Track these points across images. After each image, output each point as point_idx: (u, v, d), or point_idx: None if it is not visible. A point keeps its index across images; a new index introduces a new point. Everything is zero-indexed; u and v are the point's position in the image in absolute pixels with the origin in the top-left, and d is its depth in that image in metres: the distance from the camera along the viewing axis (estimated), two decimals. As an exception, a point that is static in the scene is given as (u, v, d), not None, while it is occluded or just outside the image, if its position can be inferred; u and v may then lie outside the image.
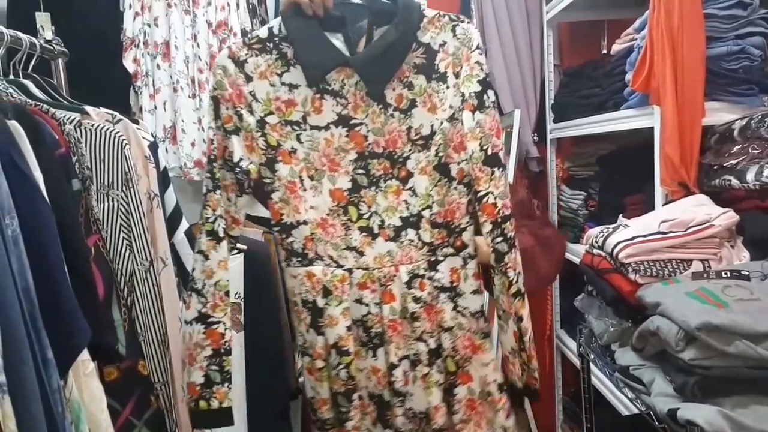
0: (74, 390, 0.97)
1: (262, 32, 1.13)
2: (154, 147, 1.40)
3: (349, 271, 1.14)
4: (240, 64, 1.12)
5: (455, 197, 1.16)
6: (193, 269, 1.16)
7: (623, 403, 1.71)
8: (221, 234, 1.13)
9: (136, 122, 1.46)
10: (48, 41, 1.59)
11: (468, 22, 1.14)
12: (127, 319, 1.21)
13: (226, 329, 1.16)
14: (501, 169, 1.13)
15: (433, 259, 1.17)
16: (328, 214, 1.15)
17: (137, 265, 1.25)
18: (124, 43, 2.72)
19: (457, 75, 1.12)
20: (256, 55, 1.12)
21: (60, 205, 0.98)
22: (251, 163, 1.12)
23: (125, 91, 2.79)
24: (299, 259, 1.15)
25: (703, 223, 1.33)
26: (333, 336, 1.15)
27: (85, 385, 1.00)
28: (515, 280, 1.15)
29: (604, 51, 2.59)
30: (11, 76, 1.35)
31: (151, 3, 2.71)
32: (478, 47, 1.13)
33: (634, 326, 1.32)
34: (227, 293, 1.16)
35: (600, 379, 1.87)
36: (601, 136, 2.13)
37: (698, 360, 1.04)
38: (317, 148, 1.14)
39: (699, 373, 1.05)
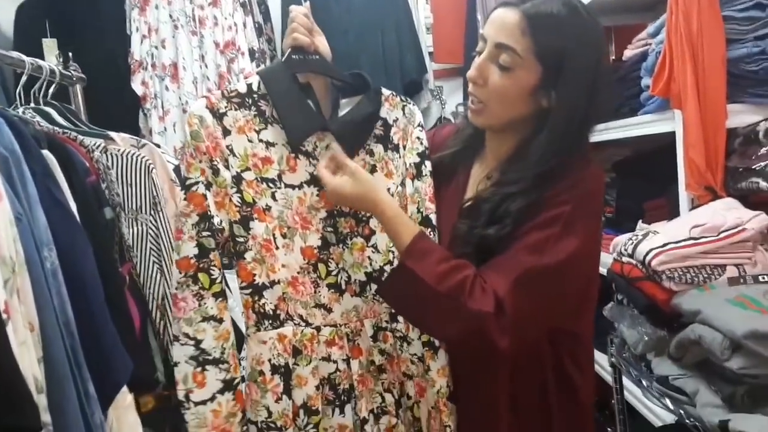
0: (114, 424, 0.95)
1: (241, 87, 1.15)
2: (178, 170, 1.39)
3: (318, 329, 1.17)
4: (219, 116, 1.12)
5: None
6: (201, 341, 1.08)
7: (655, 413, 1.68)
8: (228, 293, 1.13)
9: (158, 145, 1.45)
10: (66, 67, 1.57)
11: (413, 104, 1.28)
12: (161, 345, 1.19)
13: (243, 385, 1.14)
14: (432, 231, 1.20)
15: (393, 311, 1.21)
16: (298, 272, 1.17)
17: (168, 288, 1.25)
18: (131, 66, 2.73)
19: (404, 147, 1.25)
20: (235, 109, 1.14)
21: (94, 234, 0.98)
22: (221, 221, 1.12)
23: (135, 114, 2.79)
24: (271, 321, 1.15)
25: (736, 227, 1.31)
26: (301, 397, 1.15)
27: (124, 417, 0.98)
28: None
29: (613, 57, 2.58)
30: (32, 104, 1.34)
31: (158, 25, 2.74)
32: (419, 125, 1.26)
33: (670, 335, 1.30)
34: (238, 349, 1.14)
35: (630, 390, 1.85)
36: (616, 142, 2.12)
37: (746, 369, 1.03)
38: (291, 206, 1.16)
39: (748, 383, 1.03)
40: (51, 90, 1.44)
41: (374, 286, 1.21)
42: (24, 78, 1.31)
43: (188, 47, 2.74)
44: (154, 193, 1.29)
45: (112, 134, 1.35)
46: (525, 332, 1.06)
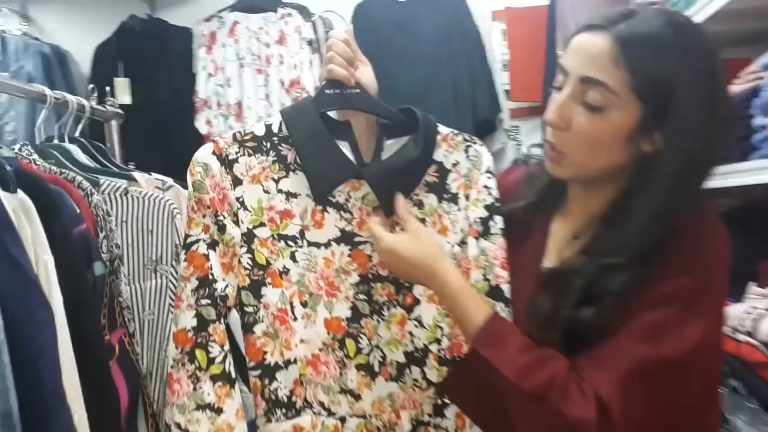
0: None
1: (258, 129, 0.98)
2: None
3: (342, 420, 0.96)
4: (228, 163, 0.95)
5: None
6: None
7: None
8: (234, 375, 0.94)
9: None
10: (101, 102, 1.48)
11: (481, 144, 1.08)
12: (155, 428, 1.02)
13: None
14: (505, 306, 1.00)
15: (439, 402, 1.00)
16: (321, 350, 0.96)
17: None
18: (196, 105, 2.70)
19: (467, 197, 1.05)
20: (249, 155, 0.96)
21: (75, 296, 0.82)
22: (227, 285, 0.93)
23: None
24: (284, 410, 0.95)
25: None
26: None
27: None
28: None
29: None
30: (55, 140, 1.26)
31: (225, 64, 2.71)
32: (488, 171, 1.05)
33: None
34: None
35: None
36: (721, 191, 1.82)
37: None
38: (314, 268, 0.97)
39: None
40: (80, 125, 1.35)
41: (415, 369, 0.99)
42: (45, 112, 1.22)
43: (253, 86, 2.71)
44: (177, 242, 1.16)
45: (137, 175, 1.25)
46: None
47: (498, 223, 1.03)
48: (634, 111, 0.85)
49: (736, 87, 1.66)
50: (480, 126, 2.60)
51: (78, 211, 0.96)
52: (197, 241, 0.91)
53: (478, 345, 0.87)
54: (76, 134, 1.31)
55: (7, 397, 0.68)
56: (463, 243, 1.02)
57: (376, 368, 0.98)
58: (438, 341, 1.00)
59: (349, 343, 0.98)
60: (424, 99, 2.51)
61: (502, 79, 2.77)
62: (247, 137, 0.97)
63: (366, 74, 1.03)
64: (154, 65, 2.83)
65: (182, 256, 0.92)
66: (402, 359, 0.99)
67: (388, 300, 0.99)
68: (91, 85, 1.53)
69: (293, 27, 2.70)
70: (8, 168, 0.81)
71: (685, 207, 0.87)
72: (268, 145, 0.97)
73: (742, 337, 1.20)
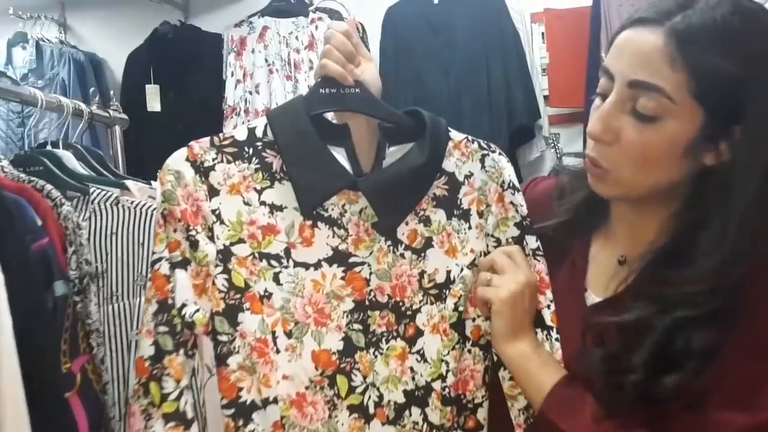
0: None
1: (240, 133, 0.86)
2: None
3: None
4: (203, 171, 0.83)
5: (468, 363, 0.91)
6: None
7: None
8: (190, 415, 0.81)
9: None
10: (102, 107, 1.43)
11: (500, 153, 0.94)
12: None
13: None
14: (546, 332, 0.88)
15: None
16: (307, 388, 0.83)
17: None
18: (225, 112, 2.66)
19: (480, 214, 0.92)
20: (228, 162, 0.84)
21: (30, 319, 0.75)
22: (198, 310, 0.81)
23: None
24: None
25: None
26: None
27: None
28: None
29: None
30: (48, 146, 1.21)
31: (254, 70, 2.66)
32: (511, 185, 0.92)
33: None
34: None
35: None
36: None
37: None
38: (301, 293, 0.84)
39: None
40: (79, 129, 1.31)
41: (415, 411, 0.86)
42: (34, 117, 1.17)
43: (282, 92, 2.66)
44: (168, 255, 1.08)
45: (129, 183, 1.19)
46: None
47: (530, 243, 0.90)
48: (695, 119, 0.72)
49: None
50: (516, 132, 2.47)
51: (39, 223, 0.88)
52: (160, 259, 0.80)
53: (546, 410, 0.78)
54: (73, 139, 1.26)
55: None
56: (474, 265, 0.90)
57: (371, 410, 0.85)
58: (442, 377, 0.88)
59: (341, 380, 0.85)
60: (457, 103, 2.40)
61: (542, 84, 2.63)
62: (227, 142, 0.85)
63: (368, 71, 0.90)
64: (185, 71, 2.83)
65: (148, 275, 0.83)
66: (401, 399, 0.86)
67: (387, 330, 0.87)
68: (93, 89, 1.48)
69: (324, 32, 2.62)
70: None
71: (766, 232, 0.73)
72: (251, 151, 0.85)
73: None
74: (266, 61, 2.67)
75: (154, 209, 1.11)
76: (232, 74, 2.70)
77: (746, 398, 0.69)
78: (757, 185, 0.72)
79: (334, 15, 2.65)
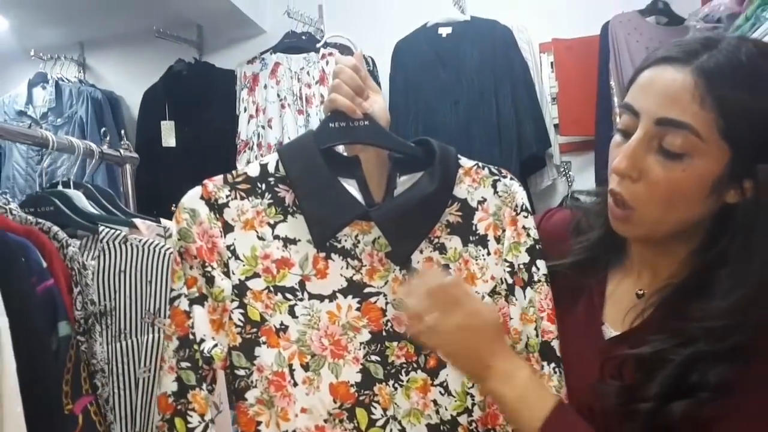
0: None
1: (252, 169, 0.89)
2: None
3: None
4: (217, 208, 0.86)
5: None
6: None
7: None
8: None
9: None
10: (113, 146, 1.46)
11: (511, 178, 0.96)
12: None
13: None
14: (554, 365, 0.88)
15: None
16: (326, 421, 0.83)
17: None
18: (238, 146, 2.69)
19: (498, 240, 0.93)
20: (242, 198, 0.87)
21: (33, 361, 0.75)
22: (216, 345, 0.82)
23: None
24: None
25: None
26: None
27: None
28: None
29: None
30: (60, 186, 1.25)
31: (266, 105, 2.70)
32: (523, 209, 0.94)
33: None
34: None
35: None
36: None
37: None
38: (317, 325, 0.85)
39: None
40: (90, 169, 1.34)
41: None
42: (48, 156, 1.20)
43: (294, 126, 2.69)
44: (176, 293, 1.09)
45: (138, 222, 1.20)
46: None
47: (541, 268, 0.91)
48: (722, 157, 0.72)
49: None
50: (527, 162, 2.47)
51: (44, 265, 0.89)
52: (179, 296, 0.82)
53: None
54: (85, 179, 1.29)
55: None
56: (495, 293, 0.90)
57: None
58: (468, 411, 0.87)
59: (360, 413, 0.85)
60: (466, 134, 2.41)
61: (552, 113, 2.64)
62: (240, 179, 0.87)
63: (377, 104, 0.92)
64: (198, 107, 2.87)
65: (168, 313, 0.84)
66: None
67: (406, 362, 0.87)
68: (103, 129, 1.51)
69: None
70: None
71: None
72: (264, 186, 0.87)
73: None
74: (278, 96, 2.70)
75: (162, 247, 1.14)
76: (245, 109, 2.74)
77: (755, 428, 0.70)
78: None
79: (345, 50, 2.69)
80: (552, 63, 2.71)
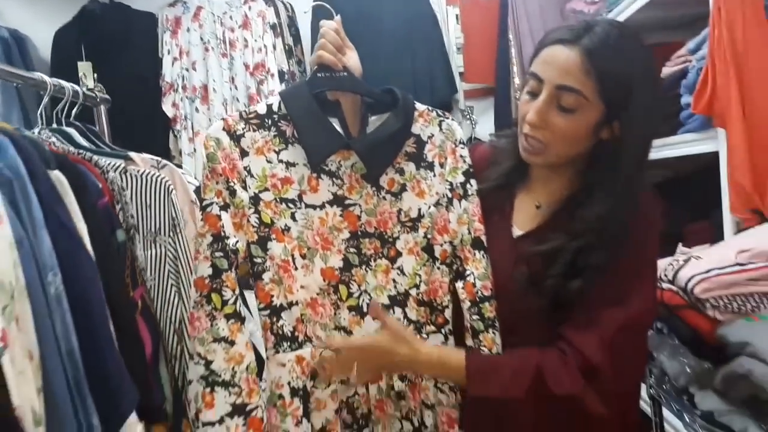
0: (122, 456, 0.91)
1: (261, 108, 1.13)
2: (199, 191, 1.36)
3: (338, 351, 1.12)
4: (236, 138, 1.10)
5: (438, 276, 1.19)
6: (211, 362, 1.03)
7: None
8: (243, 314, 1.07)
9: (180, 166, 1.43)
10: (90, 89, 1.57)
11: (452, 119, 1.24)
12: (173, 374, 1.15)
13: (263, 413, 1.07)
14: (483, 252, 1.17)
15: (418, 337, 1.16)
16: (318, 294, 1.13)
17: (186, 311, 1.21)
18: (162, 88, 2.75)
19: (442, 165, 1.20)
20: (254, 131, 1.11)
21: (104, 259, 0.94)
22: (238, 241, 1.08)
23: (165, 136, 2.80)
24: (289, 343, 1.11)
25: (787, 253, 1.22)
26: (320, 420, 1.13)
27: (133, 449, 0.93)
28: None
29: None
30: (54, 125, 1.34)
31: (189, 48, 2.77)
32: (461, 141, 1.22)
33: (715, 367, 1.20)
34: (258, 375, 1.07)
35: (670, 422, 1.74)
36: (654, 163, 2.03)
37: (802, 408, 0.94)
38: (311, 226, 1.13)
39: (803, 423, 0.94)
40: (74, 110, 1.43)
41: (397, 310, 1.16)
42: (45, 99, 1.30)
43: (218, 69, 2.76)
44: (173, 215, 1.26)
45: (133, 155, 1.33)
46: (624, 389, 1.07)
47: (473, 185, 1.20)
48: (599, 109, 1.04)
49: (667, 69, 1.85)
50: (438, 108, 2.75)
51: (100, 186, 1.07)
52: (211, 204, 1.06)
53: (472, 389, 1.07)
54: (72, 118, 1.38)
55: (69, 337, 0.80)
56: (438, 204, 1.19)
57: (365, 309, 1.15)
58: (417, 286, 1.17)
59: (342, 288, 1.14)
60: (386, 84, 2.64)
61: (457, 62, 2.93)
62: (252, 115, 1.12)
63: (352, 59, 1.18)
64: (117, 49, 2.81)
65: (199, 217, 1.07)
66: (386, 302, 1.16)
67: (374, 253, 1.16)
68: (82, 73, 1.61)
69: (256, 11, 2.75)
70: (47, 149, 0.91)
71: (641, 184, 1.08)
72: (270, 122, 1.12)
73: (665, 285, 1.35)
74: (202, 39, 2.74)
75: (157, 176, 1.26)
76: (169, 52, 2.77)
77: (622, 300, 1.03)
78: (637, 145, 1.06)
79: (268, -1, 2.79)
80: (457, 16, 2.98)
